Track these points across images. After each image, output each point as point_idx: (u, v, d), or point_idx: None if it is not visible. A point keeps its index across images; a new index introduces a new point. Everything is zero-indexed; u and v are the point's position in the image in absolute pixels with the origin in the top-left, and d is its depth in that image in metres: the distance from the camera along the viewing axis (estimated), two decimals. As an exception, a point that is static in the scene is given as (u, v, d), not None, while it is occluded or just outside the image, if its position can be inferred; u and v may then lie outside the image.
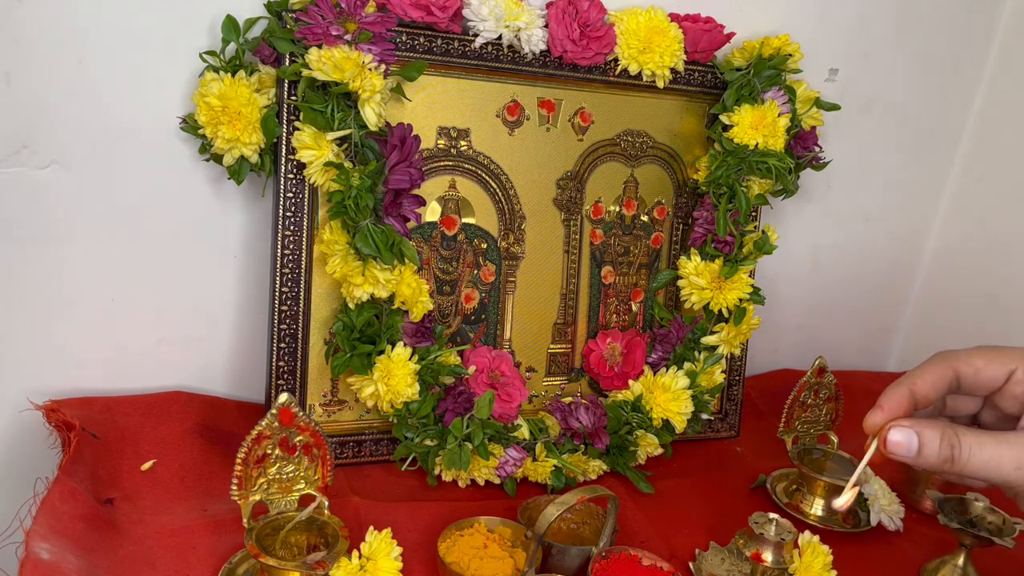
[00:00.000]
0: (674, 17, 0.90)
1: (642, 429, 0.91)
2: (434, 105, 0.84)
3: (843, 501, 0.49)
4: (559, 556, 0.71)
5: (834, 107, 0.97)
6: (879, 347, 1.31)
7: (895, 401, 0.49)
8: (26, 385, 0.80)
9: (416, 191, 0.77)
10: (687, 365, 0.95)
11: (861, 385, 1.16)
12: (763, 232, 0.95)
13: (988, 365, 0.49)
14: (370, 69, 0.73)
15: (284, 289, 0.79)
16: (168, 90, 0.79)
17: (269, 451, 0.65)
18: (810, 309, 1.21)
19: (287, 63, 0.74)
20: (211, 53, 0.77)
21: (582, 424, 0.89)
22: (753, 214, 0.97)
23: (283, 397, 0.64)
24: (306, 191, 0.78)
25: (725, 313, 0.95)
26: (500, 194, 0.89)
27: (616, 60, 0.88)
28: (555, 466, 0.86)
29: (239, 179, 0.77)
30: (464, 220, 0.88)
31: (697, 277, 0.94)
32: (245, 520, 0.64)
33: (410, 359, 0.80)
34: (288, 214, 0.78)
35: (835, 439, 0.93)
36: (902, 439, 0.47)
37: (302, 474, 0.67)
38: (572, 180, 0.92)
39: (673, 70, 0.90)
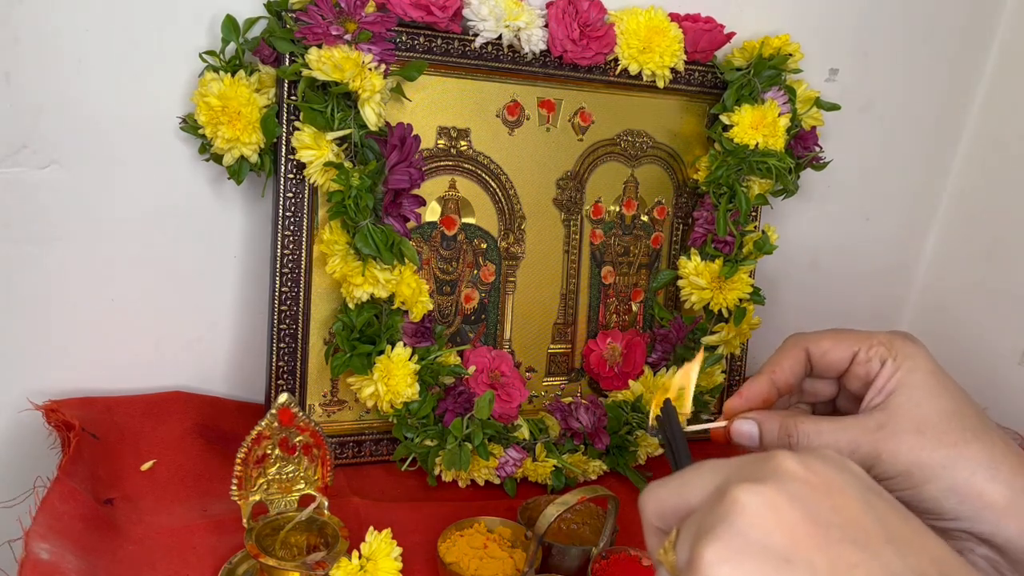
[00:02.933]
0: (674, 17, 0.90)
1: (642, 429, 0.91)
2: (434, 105, 0.84)
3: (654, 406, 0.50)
4: (559, 556, 0.71)
5: (834, 107, 0.97)
6: (879, 347, 1.30)
7: (754, 390, 0.51)
8: (26, 385, 0.80)
9: (416, 191, 0.77)
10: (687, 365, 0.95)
11: (861, 385, 1.17)
12: (763, 232, 0.95)
13: (834, 347, 0.49)
14: (370, 69, 0.73)
15: (284, 289, 0.79)
16: (168, 90, 0.79)
17: (269, 451, 0.65)
18: (810, 309, 1.21)
19: (287, 63, 0.74)
20: (211, 53, 0.77)
21: (582, 424, 0.89)
22: (753, 214, 0.97)
23: (283, 397, 0.64)
24: (306, 191, 0.78)
25: (725, 313, 0.95)
26: (500, 194, 0.89)
27: (616, 60, 0.88)
28: (555, 466, 0.86)
29: (239, 179, 0.77)
30: (464, 220, 0.88)
31: (697, 277, 0.94)
32: (245, 520, 0.64)
33: (410, 359, 0.80)
34: (288, 214, 0.78)
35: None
36: (745, 429, 0.50)
37: (302, 474, 0.67)
38: (572, 180, 0.92)
39: (673, 70, 0.90)
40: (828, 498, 0.31)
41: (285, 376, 0.81)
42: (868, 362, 0.47)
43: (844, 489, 0.31)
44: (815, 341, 0.50)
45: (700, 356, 0.53)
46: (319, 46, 0.72)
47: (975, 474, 0.43)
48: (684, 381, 0.49)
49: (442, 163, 0.86)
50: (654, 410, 0.48)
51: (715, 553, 0.29)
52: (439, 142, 0.85)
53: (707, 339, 0.96)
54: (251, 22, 0.78)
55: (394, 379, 0.79)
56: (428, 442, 0.83)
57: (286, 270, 0.79)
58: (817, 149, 0.97)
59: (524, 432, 0.87)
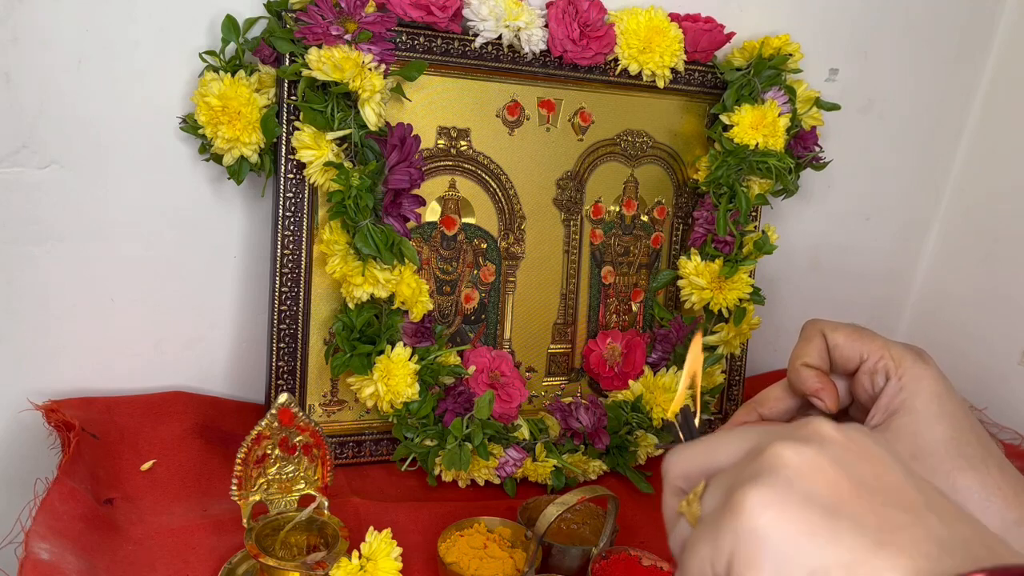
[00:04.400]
0: (674, 17, 0.90)
1: (642, 429, 0.91)
2: (434, 105, 0.84)
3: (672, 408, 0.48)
4: (559, 556, 0.71)
5: (834, 107, 0.97)
6: (879, 347, 1.30)
7: (739, 417, 0.51)
8: (26, 385, 0.80)
9: (416, 191, 0.77)
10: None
11: (861, 385, 1.16)
12: (763, 232, 0.95)
13: (845, 343, 0.49)
14: (370, 69, 0.73)
15: (284, 289, 0.79)
16: (168, 90, 0.79)
17: (269, 451, 0.65)
18: (810, 309, 1.21)
19: (287, 63, 0.74)
20: (211, 53, 0.77)
21: (582, 424, 0.89)
22: (753, 214, 0.97)
23: (283, 397, 0.64)
24: (306, 191, 0.78)
25: (725, 313, 0.95)
26: (500, 194, 0.89)
27: (616, 60, 0.88)
28: (555, 466, 0.86)
29: (239, 179, 0.77)
30: (464, 220, 0.88)
31: (697, 277, 0.94)
32: (245, 520, 0.64)
33: (410, 359, 0.80)
34: (288, 214, 0.78)
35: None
36: None
37: (302, 474, 0.67)
38: (572, 180, 0.92)
39: (673, 70, 0.90)
40: (869, 464, 0.31)
41: (285, 376, 0.81)
42: (874, 374, 0.47)
43: (883, 459, 0.31)
44: (831, 330, 0.50)
45: (698, 338, 0.50)
46: (319, 46, 0.72)
47: (967, 504, 0.42)
48: (695, 367, 0.48)
49: (442, 163, 0.86)
50: (671, 412, 0.46)
51: (760, 498, 0.29)
52: (439, 142, 0.85)
53: (707, 339, 0.96)
54: (251, 22, 0.78)
55: (394, 379, 0.79)
56: (428, 442, 0.83)
57: (286, 270, 0.79)
58: (817, 149, 0.97)
59: (524, 432, 0.87)
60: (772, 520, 0.29)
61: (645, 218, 0.97)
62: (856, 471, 0.30)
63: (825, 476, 0.30)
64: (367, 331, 0.79)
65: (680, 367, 0.95)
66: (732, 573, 0.29)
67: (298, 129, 0.74)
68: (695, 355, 0.46)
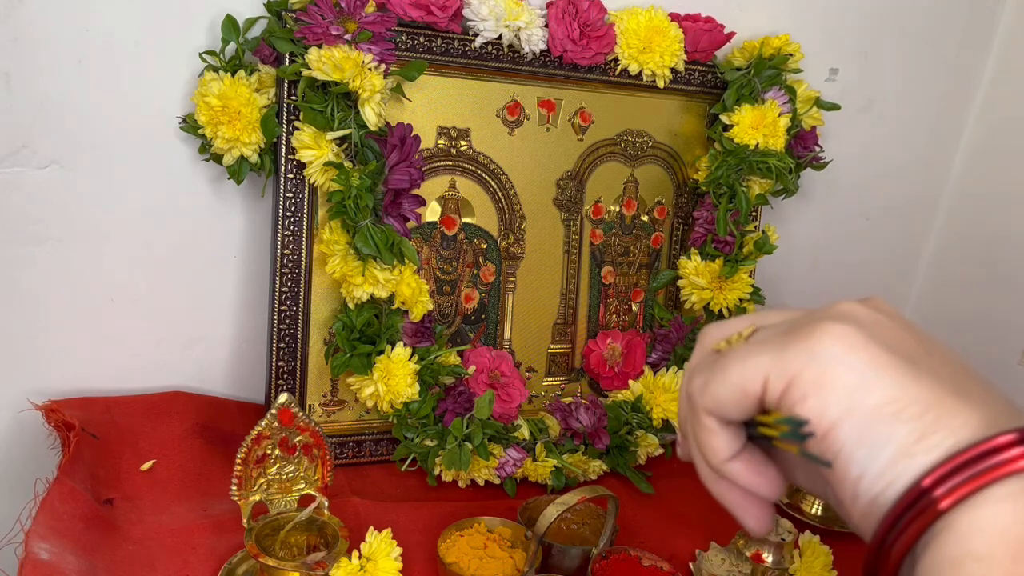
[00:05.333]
0: (674, 17, 0.90)
1: (642, 429, 0.91)
2: (434, 105, 0.84)
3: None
4: (559, 556, 0.71)
5: (834, 107, 0.97)
6: (879, 347, 1.30)
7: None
8: (26, 385, 0.80)
9: (416, 191, 0.77)
10: (687, 365, 0.95)
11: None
12: (763, 232, 0.95)
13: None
14: (370, 69, 0.73)
15: (284, 289, 0.79)
16: (168, 90, 0.79)
17: (269, 451, 0.65)
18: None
19: (287, 63, 0.74)
20: (211, 53, 0.77)
21: (582, 424, 0.89)
22: (753, 214, 0.97)
23: (283, 397, 0.64)
24: (306, 191, 0.78)
25: (725, 313, 0.95)
26: (500, 194, 0.89)
27: (616, 60, 0.88)
28: (555, 466, 0.86)
29: (239, 179, 0.77)
30: (464, 220, 0.88)
31: (697, 277, 0.94)
32: (245, 520, 0.64)
33: (410, 359, 0.80)
34: (288, 214, 0.78)
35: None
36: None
37: (302, 474, 0.67)
38: (572, 180, 0.92)
39: (673, 70, 0.90)
40: (931, 339, 0.31)
41: (285, 376, 0.81)
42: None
43: (939, 342, 0.32)
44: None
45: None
46: (319, 46, 0.72)
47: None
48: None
49: (442, 163, 0.86)
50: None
51: (842, 331, 0.29)
52: (439, 142, 0.85)
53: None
54: (251, 22, 0.78)
55: (394, 379, 0.79)
56: (428, 442, 0.83)
57: (286, 270, 0.79)
58: (817, 149, 0.97)
59: (524, 432, 0.87)
60: (853, 348, 0.28)
61: (645, 218, 0.97)
62: (925, 341, 0.31)
63: (898, 334, 0.30)
64: (367, 331, 0.79)
65: (680, 367, 0.95)
66: (794, 390, 0.29)
67: (298, 129, 0.74)
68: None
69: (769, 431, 0.31)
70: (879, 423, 0.27)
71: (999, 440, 0.26)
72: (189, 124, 0.77)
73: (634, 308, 0.99)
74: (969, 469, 0.26)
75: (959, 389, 0.28)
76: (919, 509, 0.26)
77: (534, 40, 0.83)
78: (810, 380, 0.28)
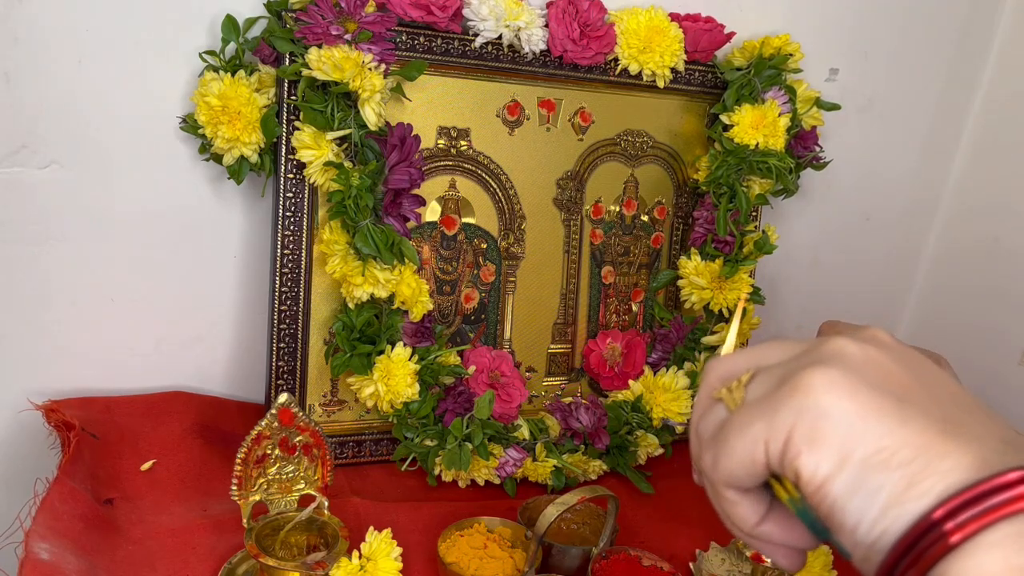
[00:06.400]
0: (674, 17, 0.90)
1: (642, 429, 0.91)
2: (434, 105, 0.84)
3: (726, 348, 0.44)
4: (559, 556, 0.71)
5: (834, 107, 0.97)
6: (879, 347, 1.30)
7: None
8: (26, 385, 0.80)
9: (416, 191, 0.77)
10: (687, 365, 0.95)
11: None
12: (763, 232, 0.95)
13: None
14: (370, 69, 0.73)
15: (284, 289, 0.79)
16: (168, 90, 0.79)
17: (269, 451, 0.65)
18: (810, 309, 1.21)
19: (287, 63, 0.74)
20: (211, 53, 0.77)
21: (582, 424, 0.89)
22: (753, 214, 0.97)
23: (283, 397, 0.64)
24: (306, 191, 0.78)
25: (725, 313, 0.95)
26: (500, 194, 0.89)
27: (616, 60, 0.88)
28: (555, 466, 0.86)
29: (239, 179, 0.77)
30: (464, 220, 0.88)
31: (697, 277, 0.94)
32: (245, 520, 0.64)
33: (410, 359, 0.80)
34: (288, 214, 0.78)
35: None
36: None
37: (302, 474, 0.67)
38: (572, 180, 0.92)
39: (673, 70, 0.90)
40: (929, 371, 0.31)
41: (285, 376, 0.81)
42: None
43: (939, 371, 0.31)
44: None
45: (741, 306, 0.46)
46: (319, 46, 0.72)
47: None
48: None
49: (442, 163, 0.86)
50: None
51: (827, 377, 0.29)
52: (439, 142, 0.85)
53: (707, 339, 0.96)
54: (251, 22, 0.78)
55: (394, 379, 0.79)
56: (428, 442, 0.83)
57: (286, 270, 0.79)
58: (817, 149, 0.97)
59: (524, 432, 0.87)
60: (839, 398, 0.28)
61: (645, 218, 0.97)
62: (918, 373, 0.30)
63: (888, 370, 0.30)
64: (367, 331, 0.79)
65: (680, 367, 0.95)
66: (790, 449, 0.29)
67: (298, 129, 0.74)
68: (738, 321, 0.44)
69: (780, 492, 0.32)
70: (869, 472, 0.28)
71: (985, 486, 0.26)
72: (189, 124, 0.77)
73: (634, 308, 0.99)
74: (957, 516, 0.26)
75: (950, 426, 0.28)
76: (913, 557, 0.27)
77: (534, 40, 0.83)
78: (802, 437, 0.29)
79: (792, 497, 0.31)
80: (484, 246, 0.89)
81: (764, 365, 0.33)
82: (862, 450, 0.28)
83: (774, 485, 0.32)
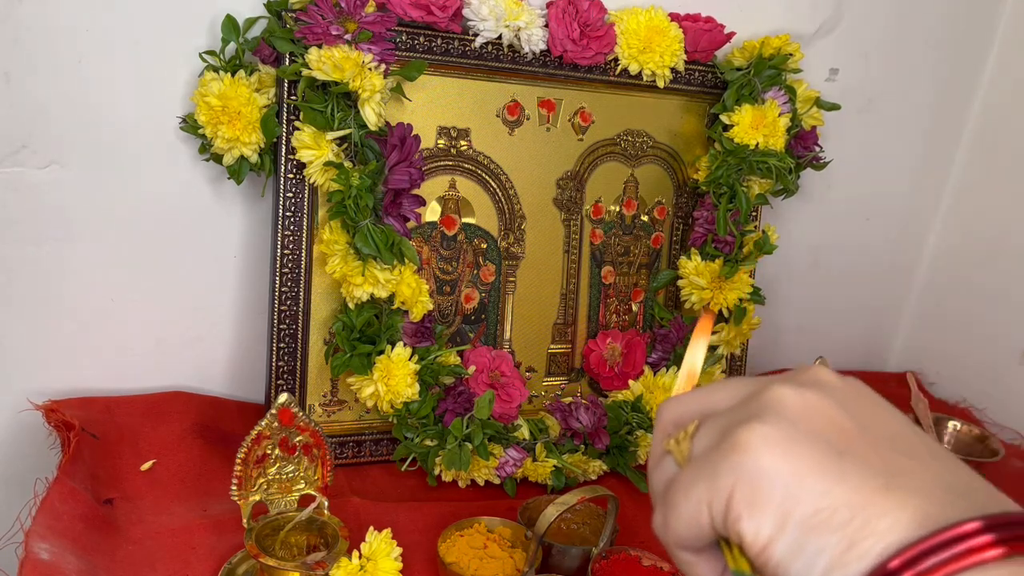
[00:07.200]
0: (674, 17, 0.90)
1: (642, 429, 0.91)
2: (434, 105, 0.84)
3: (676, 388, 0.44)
4: (559, 556, 0.71)
5: (834, 107, 0.97)
6: (879, 347, 1.31)
7: None
8: (26, 385, 0.80)
9: (416, 191, 0.77)
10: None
11: (861, 385, 1.16)
12: (763, 232, 0.95)
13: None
14: (370, 69, 0.73)
15: (284, 289, 0.79)
16: (168, 90, 0.79)
17: (269, 451, 0.65)
18: (810, 309, 1.21)
19: (287, 63, 0.74)
20: (211, 53, 0.77)
21: (582, 424, 0.89)
22: (753, 214, 0.97)
23: (283, 397, 0.64)
24: (306, 191, 0.78)
25: (725, 313, 0.95)
26: (500, 194, 0.89)
27: (616, 60, 0.88)
28: (555, 466, 0.86)
29: (239, 179, 0.77)
30: (464, 220, 0.88)
31: (697, 277, 0.94)
32: (245, 520, 0.64)
33: (410, 359, 0.80)
34: (288, 214, 0.78)
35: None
36: None
37: (302, 474, 0.67)
38: (572, 180, 0.92)
39: (673, 70, 0.90)
40: (871, 411, 0.30)
41: (285, 376, 0.81)
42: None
43: (884, 407, 0.31)
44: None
45: (706, 323, 0.44)
46: (319, 46, 0.72)
47: None
48: (695, 360, 0.44)
49: (442, 163, 0.86)
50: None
51: (762, 434, 0.28)
52: (439, 142, 0.85)
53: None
54: (251, 22, 0.78)
55: (394, 379, 0.79)
56: (428, 442, 0.83)
57: (286, 270, 0.79)
58: (817, 149, 0.97)
59: (524, 432, 0.87)
60: (776, 457, 0.28)
61: (645, 218, 0.97)
62: (859, 415, 0.30)
63: (828, 417, 0.29)
64: (367, 331, 0.79)
65: (680, 367, 0.95)
66: (731, 513, 0.28)
67: (298, 129, 0.74)
68: (698, 347, 0.43)
69: (728, 559, 0.31)
70: (810, 534, 0.27)
71: (924, 545, 0.25)
72: (189, 124, 0.77)
73: (634, 308, 0.99)
74: None
75: (891, 478, 0.27)
76: None
77: (534, 40, 0.83)
78: (741, 500, 0.28)
79: (738, 568, 0.30)
80: (484, 246, 0.89)
81: (712, 410, 0.32)
82: (801, 511, 0.27)
83: (723, 549, 0.31)
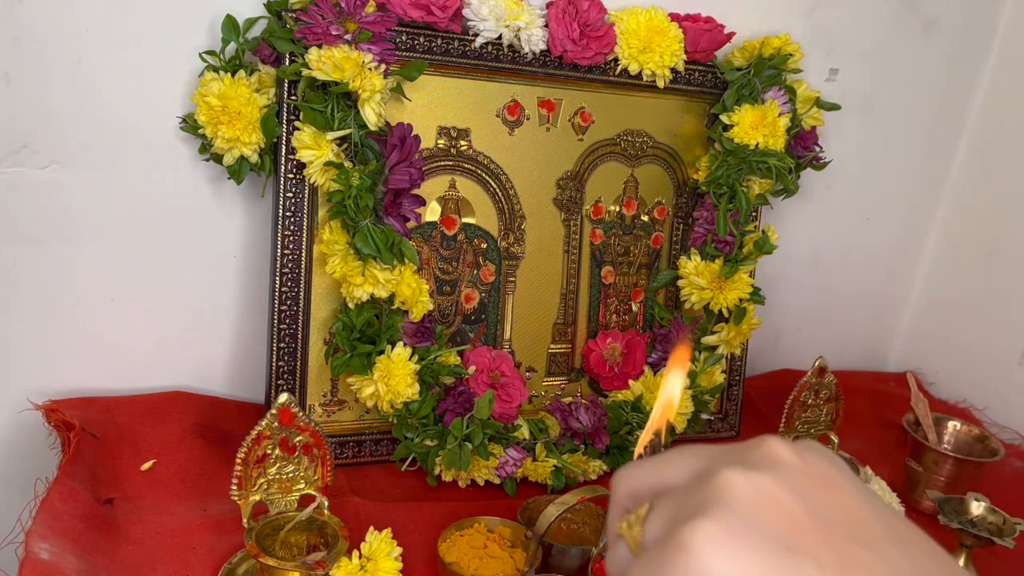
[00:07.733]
0: (674, 17, 0.90)
1: (642, 429, 0.91)
2: (434, 105, 0.84)
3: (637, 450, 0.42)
4: (559, 556, 0.71)
5: (834, 107, 0.97)
6: (879, 347, 1.31)
7: None
8: (26, 385, 0.80)
9: (416, 191, 0.77)
10: (687, 365, 0.95)
11: (861, 385, 1.16)
12: (763, 232, 0.95)
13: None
14: (370, 69, 0.73)
15: (284, 289, 0.79)
16: (168, 90, 0.79)
17: (269, 451, 0.65)
18: (810, 309, 1.21)
19: (287, 63, 0.74)
20: (211, 53, 0.77)
21: (582, 424, 0.89)
22: (753, 214, 0.97)
23: (283, 397, 0.64)
24: (306, 191, 0.78)
25: (725, 313, 0.95)
26: (500, 194, 0.89)
27: (616, 60, 0.88)
28: (555, 466, 0.86)
29: (239, 179, 0.77)
30: (464, 220, 0.88)
31: (697, 277, 0.94)
32: (245, 520, 0.64)
33: (410, 359, 0.80)
34: (288, 214, 0.78)
35: (835, 439, 0.93)
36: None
37: (302, 474, 0.67)
38: (572, 180, 0.92)
39: (673, 70, 0.90)
40: (827, 492, 0.29)
41: (285, 376, 0.81)
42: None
43: (841, 483, 0.29)
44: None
45: (683, 354, 0.44)
46: (319, 46, 0.72)
47: None
48: (670, 397, 0.44)
49: (442, 163, 0.86)
50: (639, 448, 0.43)
51: (708, 534, 0.27)
52: (439, 142, 0.85)
53: (707, 339, 0.96)
54: (251, 22, 0.78)
55: (394, 379, 0.79)
56: (428, 442, 0.83)
57: (286, 270, 0.79)
58: (817, 149, 0.97)
59: (524, 432, 0.87)
60: (723, 560, 0.26)
61: (645, 218, 0.97)
62: (813, 500, 0.28)
63: (779, 507, 0.28)
64: (367, 331, 0.79)
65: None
66: None
67: (298, 129, 0.74)
68: (672, 384, 0.42)
69: None
70: None
71: None
72: (189, 124, 0.77)
73: (634, 308, 0.99)
74: None
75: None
76: None
77: (534, 40, 0.83)
78: None
79: None
80: (484, 246, 0.89)
81: (664, 487, 0.31)
82: None
83: None
